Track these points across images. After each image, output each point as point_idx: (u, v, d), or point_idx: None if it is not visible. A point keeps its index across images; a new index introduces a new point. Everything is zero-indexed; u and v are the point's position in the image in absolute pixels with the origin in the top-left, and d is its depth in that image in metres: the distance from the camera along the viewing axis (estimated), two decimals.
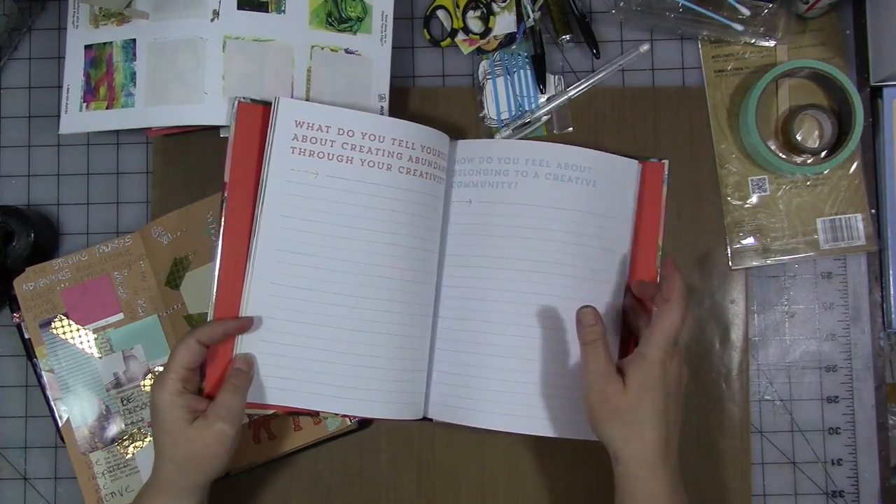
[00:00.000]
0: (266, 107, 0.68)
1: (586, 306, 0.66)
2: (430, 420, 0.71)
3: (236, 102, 0.68)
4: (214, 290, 0.66)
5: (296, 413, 0.69)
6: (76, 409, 0.72)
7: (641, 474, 0.61)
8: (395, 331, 0.68)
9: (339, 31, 0.73)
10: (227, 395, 0.63)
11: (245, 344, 0.66)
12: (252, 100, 0.69)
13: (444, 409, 0.70)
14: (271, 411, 0.67)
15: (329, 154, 0.68)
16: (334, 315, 0.67)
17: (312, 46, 0.72)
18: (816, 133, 0.75)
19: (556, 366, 0.68)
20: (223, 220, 0.67)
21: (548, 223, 0.70)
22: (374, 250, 0.68)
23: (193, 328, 0.65)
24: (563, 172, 0.70)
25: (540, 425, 0.68)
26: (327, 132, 0.68)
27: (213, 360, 0.65)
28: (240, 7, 0.71)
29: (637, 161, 0.72)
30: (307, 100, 0.72)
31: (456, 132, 0.77)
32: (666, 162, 0.72)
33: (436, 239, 0.71)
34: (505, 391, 0.69)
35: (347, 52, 0.73)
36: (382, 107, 0.73)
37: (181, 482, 0.62)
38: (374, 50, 0.74)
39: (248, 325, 0.66)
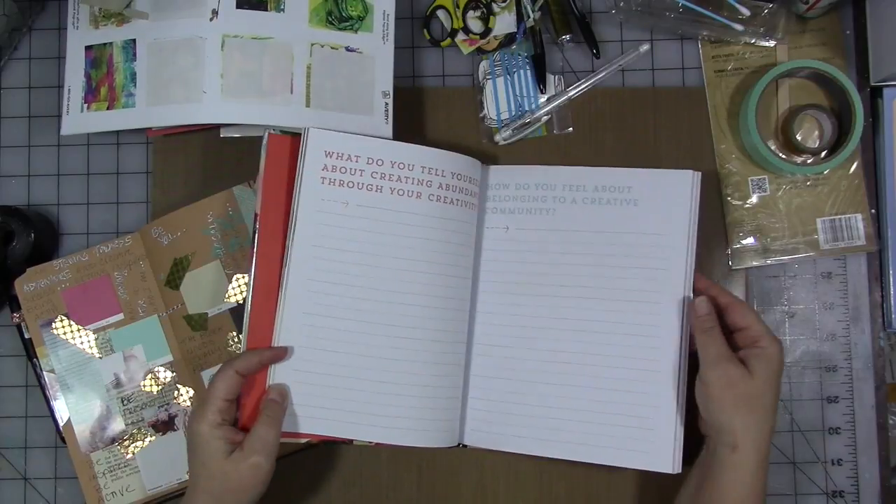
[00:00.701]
0: (295, 137, 0.68)
1: (700, 296, 0.66)
2: (465, 446, 0.70)
3: (267, 134, 0.68)
4: (247, 320, 0.66)
5: (330, 441, 0.69)
6: (77, 410, 0.72)
7: (753, 466, 0.60)
8: (428, 358, 0.68)
9: (340, 29, 0.73)
10: (263, 428, 0.62)
11: (278, 374, 0.66)
12: (282, 131, 0.69)
13: (480, 436, 0.70)
14: (304, 440, 0.67)
15: (359, 183, 0.68)
16: (367, 343, 0.67)
17: (312, 44, 0.72)
18: (816, 133, 0.75)
19: (600, 390, 0.68)
20: (255, 250, 0.67)
21: (588, 247, 0.70)
22: (406, 278, 0.68)
23: (230, 359, 0.65)
24: (600, 195, 0.71)
25: (581, 451, 0.68)
26: (357, 161, 0.68)
27: (247, 392, 0.65)
28: (239, 6, 0.71)
29: (693, 172, 0.70)
30: (307, 97, 0.72)
31: (456, 132, 0.77)
32: (698, 174, 0.72)
33: (468, 265, 0.71)
34: (545, 417, 0.69)
35: (348, 49, 0.73)
36: (387, 104, 0.73)
37: None
38: (376, 48, 0.74)
39: (282, 354, 0.66)
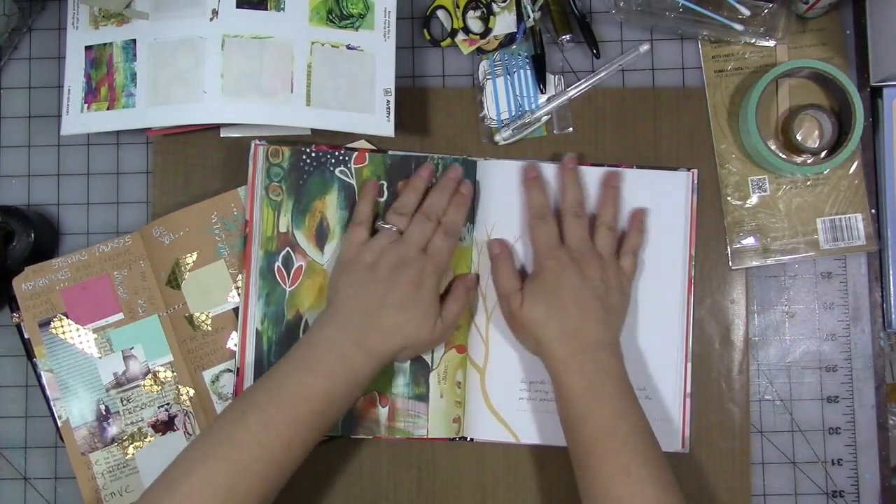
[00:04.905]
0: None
1: (491, 239, 0.74)
2: (472, 440, 0.73)
3: (253, 144, 0.72)
4: (240, 321, 0.71)
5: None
6: (75, 409, 0.72)
7: (556, 368, 0.66)
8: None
9: (340, 27, 0.73)
10: (452, 303, 0.70)
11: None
12: (268, 142, 0.72)
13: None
14: None
15: None
16: None
17: (312, 43, 0.72)
18: (816, 133, 0.75)
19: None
20: (245, 256, 0.71)
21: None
22: None
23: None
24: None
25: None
26: None
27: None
28: (239, 6, 0.71)
29: (687, 173, 0.75)
30: (308, 95, 0.72)
31: (456, 132, 0.77)
32: (695, 171, 0.74)
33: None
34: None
35: (349, 48, 0.73)
36: (388, 101, 0.73)
37: (365, 370, 0.65)
38: (377, 45, 0.74)
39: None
